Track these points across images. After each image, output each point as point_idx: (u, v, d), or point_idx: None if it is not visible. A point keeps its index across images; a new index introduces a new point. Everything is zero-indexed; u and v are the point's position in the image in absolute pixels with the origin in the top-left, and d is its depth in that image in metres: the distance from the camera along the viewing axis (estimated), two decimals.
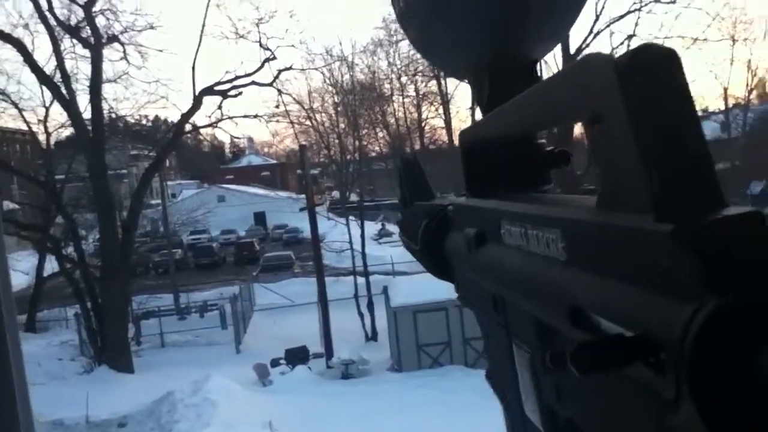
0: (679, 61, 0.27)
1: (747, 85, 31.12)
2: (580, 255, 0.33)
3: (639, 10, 22.50)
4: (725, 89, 30.91)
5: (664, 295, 0.25)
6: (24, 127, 21.45)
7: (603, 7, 22.84)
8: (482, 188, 0.58)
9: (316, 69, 25.95)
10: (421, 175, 0.83)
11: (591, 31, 22.64)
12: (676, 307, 0.24)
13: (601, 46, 23.46)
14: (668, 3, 22.09)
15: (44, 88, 19.24)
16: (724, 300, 0.23)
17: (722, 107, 32.83)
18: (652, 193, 0.26)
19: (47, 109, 20.28)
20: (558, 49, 23.15)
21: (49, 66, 18.69)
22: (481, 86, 0.60)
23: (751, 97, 33.02)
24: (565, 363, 0.26)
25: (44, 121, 20.56)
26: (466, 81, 0.63)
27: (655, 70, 0.27)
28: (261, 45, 21.15)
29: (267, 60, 21.08)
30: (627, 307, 0.28)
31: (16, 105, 19.97)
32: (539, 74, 0.59)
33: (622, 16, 22.75)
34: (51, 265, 21.29)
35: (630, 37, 22.72)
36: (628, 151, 0.28)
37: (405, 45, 37.36)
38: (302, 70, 24.13)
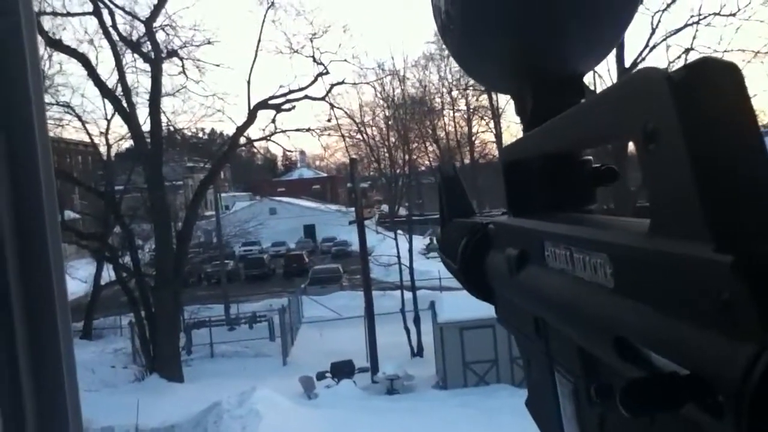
0: (741, 76, 0.25)
1: None
2: (628, 283, 0.31)
3: (697, 23, 21.87)
4: None
5: (721, 331, 0.23)
6: (86, 139, 22.30)
7: (660, 20, 22.32)
8: (524, 207, 0.56)
9: (367, 83, 26.24)
10: (461, 189, 0.80)
11: (647, 45, 22.13)
12: (737, 345, 0.22)
13: (657, 59, 22.87)
14: (728, 15, 21.42)
15: (106, 101, 19.97)
16: None
17: None
18: (711, 220, 0.25)
19: (109, 121, 21.04)
20: (613, 63, 22.58)
21: (111, 80, 19.41)
22: (524, 100, 0.58)
23: None
24: (611, 397, 0.25)
25: (105, 134, 21.33)
26: (509, 95, 0.61)
27: (714, 85, 0.25)
28: (314, 59, 21.49)
29: (320, 74, 21.39)
30: (679, 341, 0.26)
31: (79, 117, 20.80)
32: (585, 88, 0.56)
33: (679, 29, 22.15)
34: (108, 274, 21.94)
35: (687, 50, 22.08)
36: (684, 173, 0.25)
37: None
38: (354, 84, 24.42)
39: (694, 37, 22.35)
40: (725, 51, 22.00)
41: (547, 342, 0.48)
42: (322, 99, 21.72)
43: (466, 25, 0.57)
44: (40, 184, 0.83)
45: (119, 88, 19.33)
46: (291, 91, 21.20)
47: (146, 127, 19.54)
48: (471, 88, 37.98)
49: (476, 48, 0.58)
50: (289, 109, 21.57)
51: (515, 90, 0.59)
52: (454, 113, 41.81)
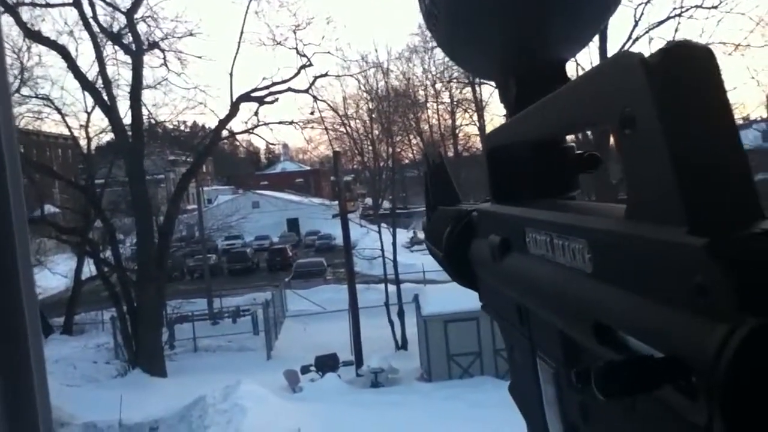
0: (715, 60, 0.25)
1: None
2: (606, 267, 0.32)
3: (679, 15, 22.01)
4: None
5: (696, 314, 0.24)
6: (66, 132, 22.02)
7: (642, 13, 22.46)
8: (507, 194, 0.57)
9: (351, 75, 26.09)
10: (448, 178, 0.80)
11: (630, 37, 22.24)
12: (710, 326, 0.23)
13: (640, 51, 22.91)
14: (710, 8, 21.60)
15: (86, 93, 19.72)
16: (762, 320, 0.21)
17: (765, 115, 31.91)
18: (685, 204, 0.25)
19: (89, 114, 20.80)
20: (596, 56, 22.77)
21: (91, 72, 19.16)
22: (508, 87, 0.57)
23: None
24: (590, 381, 0.25)
25: (86, 127, 21.08)
26: (494, 82, 0.61)
27: (689, 70, 0.25)
28: (298, 51, 21.35)
29: (303, 66, 21.25)
30: (655, 324, 0.26)
31: (59, 110, 20.53)
32: (568, 76, 0.56)
33: (661, 22, 22.27)
34: (89, 269, 21.73)
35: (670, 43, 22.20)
36: (660, 158, 0.26)
37: (440, 51, 37.26)
38: (338, 76, 24.27)
39: (676, 30, 22.47)
40: (707, 43, 22.13)
41: (529, 328, 0.48)
42: (306, 91, 21.61)
43: (451, 12, 0.57)
44: (5, 180, 0.81)
45: (99, 81, 19.10)
46: (274, 84, 21.08)
47: (127, 120, 19.34)
48: (455, 80, 38.01)
49: (461, 35, 0.58)
50: (272, 102, 21.44)
51: (499, 77, 0.59)
52: (437, 106, 41.82)
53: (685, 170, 0.25)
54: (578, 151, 0.57)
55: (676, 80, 0.25)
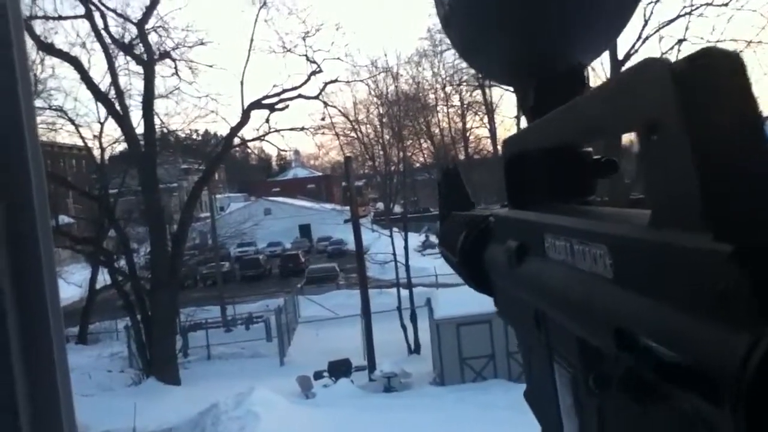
0: (744, 66, 0.25)
1: None
2: (627, 273, 0.31)
3: (689, 13, 21.89)
4: None
5: (720, 321, 0.23)
6: (80, 143, 22.22)
7: (652, 12, 22.34)
8: (525, 199, 0.56)
9: (361, 81, 26.20)
10: (461, 185, 0.82)
11: (640, 36, 22.14)
12: (735, 334, 0.22)
13: (650, 51, 22.85)
14: (720, 6, 21.48)
15: (99, 104, 19.90)
16: None
17: None
18: (710, 211, 0.25)
19: (102, 124, 20.98)
20: (606, 55, 22.67)
21: (104, 83, 19.34)
22: (526, 93, 0.57)
23: None
24: (610, 387, 0.25)
25: (99, 137, 21.25)
26: (511, 89, 0.61)
27: (717, 76, 0.25)
28: (307, 58, 21.45)
29: (313, 73, 21.36)
30: (678, 331, 0.26)
31: (72, 121, 20.73)
32: (587, 81, 0.56)
33: (672, 20, 22.16)
34: (103, 278, 21.87)
35: (680, 41, 22.10)
36: (685, 164, 0.26)
37: (449, 55, 37.14)
38: (348, 82, 24.43)
39: (686, 28, 22.42)
40: (717, 41, 22.02)
41: (546, 333, 0.48)
42: (316, 98, 21.71)
43: (469, 17, 0.56)
44: (31, 190, 0.83)
45: (112, 91, 19.29)
46: (284, 91, 21.19)
47: (140, 129, 19.51)
48: (465, 83, 38.01)
49: (478, 40, 0.58)
50: (282, 109, 21.54)
51: (517, 82, 0.59)
52: (448, 109, 41.79)
53: (711, 178, 0.25)
54: (596, 156, 0.57)
55: (702, 88, 0.25)
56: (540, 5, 0.52)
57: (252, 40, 21.36)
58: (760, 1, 20.89)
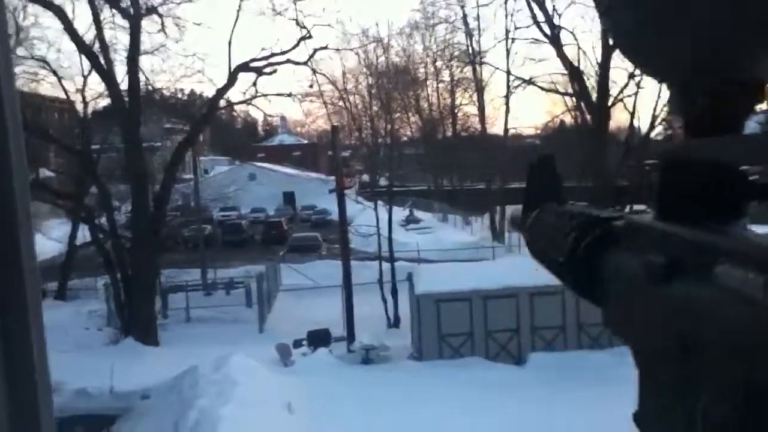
0: None
1: None
2: None
3: None
4: None
5: None
6: (63, 96, 21.77)
7: None
8: (677, 212, 0.51)
9: (351, 50, 25.89)
10: (555, 176, 0.80)
11: None
12: None
13: None
14: None
15: (83, 57, 19.47)
16: None
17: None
18: None
19: (85, 78, 20.58)
20: (597, 42, 22.35)
21: (88, 35, 18.89)
22: (690, 97, 0.52)
23: None
24: None
25: (82, 91, 20.86)
26: (670, 88, 0.56)
27: None
28: (297, 23, 21.11)
29: (303, 38, 21.03)
30: None
31: (55, 73, 20.29)
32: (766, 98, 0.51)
33: None
34: (83, 234, 21.65)
35: None
36: None
37: (441, 29, 36.85)
38: (338, 50, 24.06)
39: None
40: None
41: (697, 365, 0.43)
42: (305, 64, 21.42)
43: (641, 4, 0.51)
44: (7, 139, 0.79)
45: (97, 44, 18.84)
46: (273, 55, 20.86)
47: (124, 85, 19.13)
48: (455, 59, 37.75)
49: (646, 30, 0.53)
50: (270, 73, 21.24)
51: (682, 84, 0.54)
52: (437, 84, 41.54)
53: None
54: (753, 177, 0.53)
55: None
56: (729, 5, 0.46)
57: (241, 0, 20.87)
58: None
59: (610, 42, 20.54)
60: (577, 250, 0.61)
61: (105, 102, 21.96)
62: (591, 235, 0.60)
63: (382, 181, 28.48)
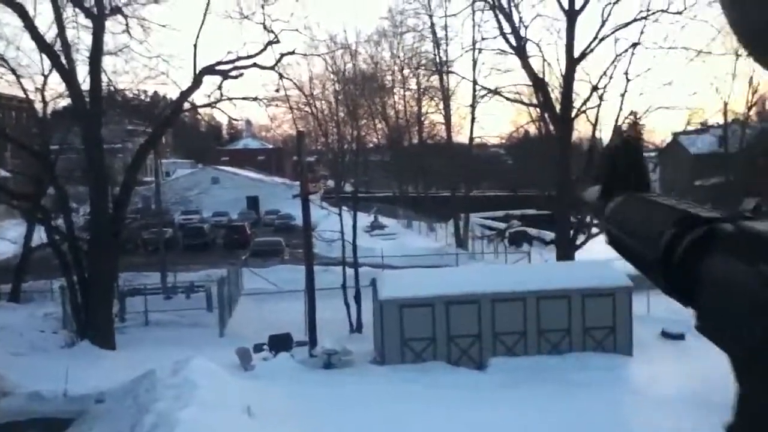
0: None
1: (747, 101, 31.08)
2: None
3: (645, 18, 22.48)
4: (725, 104, 30.87)
5: None
6: (21, 95, 21.24)
7: (609, 14, 22.81)
8: None
9: (318, 55, 25.83)
10: (641, 163, 0.75)
11: (596, 37, 22.62)
12: None
13: (605, 52, 23.23)
14: (675, 13, 22.09)
15: (44, 56, 19.04)
16: None
17: (721, 121, 32.85)
18: None
19: (45, 77, 20.12)
20: (562, 53, 22.85)
21: (49, 34, 18.49)
22: None
23: (751, 113, 33.02)
24: None
25: (42, 90, 20.39)
26: None
27: None
28: (265, 27, 20.98)
29: (270, 43, 20.92)
30: None
31: (14, 71, 19.77)
32: None
33: (628, 23, 22.73)
34: (39, 236, 21.13)
35: (635, 45, 22.71)
36: None
37: (409, 37, 37.12)
38: (305, 55, 23.94)
39: (641, 32, 22.98)
40: (670, 48, 22.67)
41: None
42: (271, 68, 21.29)
43: None
44: None
45: (58, 43, 18.45)
46: (239, 58, 20.70)
47: (85, 85, 18.76)
48: (422, 67, 38.02)
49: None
50: (236, 77, 21.05)
51: None
52: (404, 92, 41.79)
53: None
54: None
55: None
56: None
57: (208, 3, 20.68)
58: (712, 13, 21.56)
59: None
60: (676, 249, 0.57)
61: (65, 102, 21.51)
62: (692, 235, 0.56)
63: (348, 187, 28.48)
